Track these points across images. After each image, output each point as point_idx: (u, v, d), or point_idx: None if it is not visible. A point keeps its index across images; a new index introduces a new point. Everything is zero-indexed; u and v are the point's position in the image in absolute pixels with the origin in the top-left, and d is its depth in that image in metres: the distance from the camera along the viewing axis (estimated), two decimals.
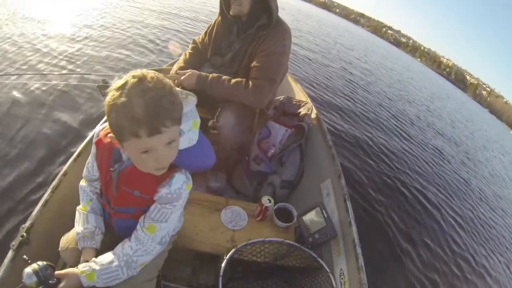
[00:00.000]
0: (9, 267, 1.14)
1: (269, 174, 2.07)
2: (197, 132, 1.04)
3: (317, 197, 1.93)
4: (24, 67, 3.52)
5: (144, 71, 0.83)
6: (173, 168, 1.01)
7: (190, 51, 2.19)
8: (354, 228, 1.56)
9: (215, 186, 2.01)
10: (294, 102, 2.46)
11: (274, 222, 1.73)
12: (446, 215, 3.90)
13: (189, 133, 1.00)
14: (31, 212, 1.32)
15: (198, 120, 1.05)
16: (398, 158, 4.53)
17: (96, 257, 1.08)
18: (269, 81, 1.87)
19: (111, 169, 1.03)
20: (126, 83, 0.80)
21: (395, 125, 5.99)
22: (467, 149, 8.62)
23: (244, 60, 1.93)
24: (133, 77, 0.80)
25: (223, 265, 1.42)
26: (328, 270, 1.51)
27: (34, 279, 0.93)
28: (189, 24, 8.43)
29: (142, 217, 1.07)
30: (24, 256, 1.01)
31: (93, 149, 1.11)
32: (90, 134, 1.60)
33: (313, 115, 2.40)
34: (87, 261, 1.06)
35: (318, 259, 1.56)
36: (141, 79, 0.80)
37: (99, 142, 1.07)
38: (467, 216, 4.22)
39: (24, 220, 1.30)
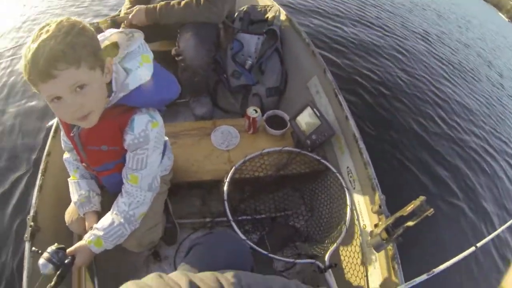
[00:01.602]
0: (31, 258, 1.17)
1: (252, 86, 1.96)
2: (150, 66, 0.95)
3: (306, 98, 1.83)
4: None
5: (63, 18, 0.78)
6: (131, 110, 0.94)
7: None
8: (352, 122, 1.49)
9: (201, 112, 1.93)
10: (259, 9, 2.24)
11: (268, 132, 1.65)
12: (451, 97, 3.63)
13: (138, 70, 0.92)
14: (31, 201, 1.33)
15: (150, 54, 0.97)
16: (385, 49, 4.14)
17: (99, 219, 1.08)
18: None
19: (71, 134, 0.99)
20: (39, 29, 0.76)
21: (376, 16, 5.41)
22: None
23: None
24: (47, 24, 0.76)
25: (225, 188, 1.39)
26: (335, 170, 1.48)
27: (50, 266, 0.94)
28: None
29: (123, 169, 1.04)
30: (34, 248, 1.04)
31: (57, 119, 1.09)
32: None
33: (282, 17, 2.21)
34: (91, 228, 1.06)
35: (322, 160, 1.52)
36: (44, 26, 0.76)
37: None
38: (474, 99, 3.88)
39: (28, 211, 1.31)
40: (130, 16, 1.74)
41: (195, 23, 1.76)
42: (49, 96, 0.78)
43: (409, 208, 1.00)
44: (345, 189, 1.41)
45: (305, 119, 1.58)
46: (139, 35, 0.95)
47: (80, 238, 1.23)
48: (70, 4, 4.13)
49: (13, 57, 2.99)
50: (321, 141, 1.53)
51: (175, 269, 1.41)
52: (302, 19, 3.99)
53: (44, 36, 0.73)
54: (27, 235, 1.21)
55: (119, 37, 0.93)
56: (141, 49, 0.95)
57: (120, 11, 2.06)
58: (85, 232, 1.10)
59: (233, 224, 1.30)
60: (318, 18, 4.26)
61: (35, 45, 0.72)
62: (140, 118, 0.94)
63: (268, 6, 2.24)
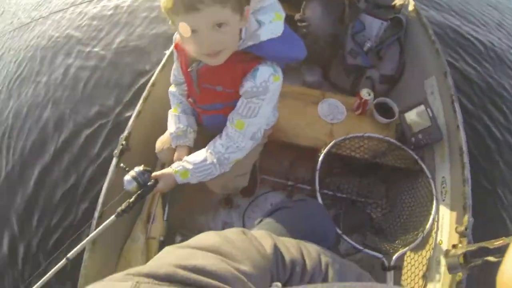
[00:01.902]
0: (114, 172, 1.29)
1: (367, 68, 1.91)
2: (281, 24, 0.96)
3: (419, 95, 1.75)
4: None
5: None
6: (256, 59, 0.96)
7: None
8: (462, 133, 1.40)
9: (310, 80, 1.93)
10: None
11: (374, 117, 1.62)
12: None
13: (270, 24, 0.93)
14: (127, 123, 1.43)
15: (283, 14, 0.97)
16: None
17: (189, 154, 1.12)
18: None
19: (189, 69, 1.02)
20: None
21: None
22: None
23: None
24: None
25: (320, 159, 1.40)
26: (429, 175, 1.42)
27: (134, 184, 1.01)
28: None
29: (231, 113, 1.05)
30: (122, 165, 1.10)
31: (175, 53, 1.11)
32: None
33: (410, 7, 2.09)
34: (181, 159, 1.10)
35: (420, 161, 1.46)
36: None
37: (177, 46, 1.06)
38: None
39: (122, 131, 1.41)
40: None
41: None
42: (184, 27, 0.80)
43: (498, 243, 0.90)
44: (434, 198, 1.35)
45: (416, 116, 1.52)
46: None
47: (163, 167, 1.35)
48: None
49: None
50: (426, 143, 1.47)
51: (243, 220, 1.54)
52: (432, 13, 3.54)
53: None
54: (116, 151, 1.33)
55: None
56: (275, 6, 0.96)
57: None
58: (171, 162, 1.14)
59: (318, 195, 1.32)
60: (450, 14, 3.73)
61: None
62: (264, 69, 0.95)
63: None
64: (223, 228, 1.54)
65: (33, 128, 2.19)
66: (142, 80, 2.38)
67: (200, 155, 1.08)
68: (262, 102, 0.99)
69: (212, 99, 1.07)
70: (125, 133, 1.38)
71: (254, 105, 0.99)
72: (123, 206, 1.01)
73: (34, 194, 1.86)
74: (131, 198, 1.02)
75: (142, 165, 1.06)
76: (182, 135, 1.19)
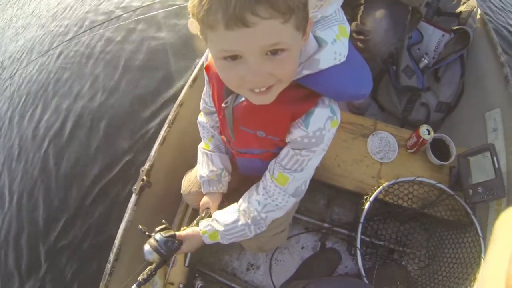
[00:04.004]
0: (133, 211, 1.13)
1: (421, 91, 1.66)
2: (346, 43, 0.68)
3: (478, 130, 1.52)
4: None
5: None
6: (312, 97, 0.69)
7: None
8: None
9: (358, 102, 1.69)
10: None
11: (428, 157, 1.39)
12: None
13: (334, 44, 0.65)
14: (150, 152, 1.25)
15: (347, 27, 0.70)
16: None
17: (221, 202, 1.00)
18: None
19: (223, 105, 0.77)
20: None
21: None
22: None
23: None
24: None
25: (365, 209, 1.22)
26: (480, 233, 1.22)
27: (155, 255, 0.88)
28: None
29: (273, 162, 0.83)
30: (140, 227, 0.93)
31: (205, 76, 0.84)
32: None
33: (477, 17, 1.78)
34: (209, 214, 0.97)
35: (472, 216, 1.27)
36: None
37: (208, 69, 0.79)
38: None
39: (144, 160, 1.23)
40: None
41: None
42: (223, 48, 0.54)
43: None
44: (482, 260, 1.17)
45: (477, 163, 1.30)
46: None
47: (186, 208, 1.21)
48: None
49: None
50: (486, 199, 1.26)
51: (270, 264, 1.38)
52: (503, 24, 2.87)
53: None
54: (136, 187, 1.15)
55: None
56: (338, 15, 0.70)
57: None
58: (199, 206, 1.00)
59: (359, 253, 1.16)
60: None
61: None
62: (321, 112, 0.69)
63: None
64: (247, 270, 1.40)
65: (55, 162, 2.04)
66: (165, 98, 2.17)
67: (232, 213, 0.91)
68: (312, 155, 0.75)
69: (250, 144, 0.84)
70: (147, 165, 1.20)
71: (303, 158, 0.76)
72: (145, 274, 0.87)
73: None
74: (152, 264, 0.89)
75: (164, 227, 0.91)
76: (216, 179, 1.00)
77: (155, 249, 0.86)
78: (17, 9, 3.86)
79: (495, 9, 2.99)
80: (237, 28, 0.48)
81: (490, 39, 1.68)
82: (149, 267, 0.88)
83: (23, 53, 3.03)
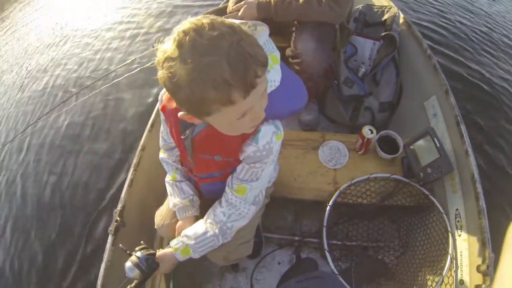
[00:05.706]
0: (111, 251, 1.19)
1: (364, 97, 1.81)
2: (278, 69, 0.82)
3: (421, 119, 1.65)
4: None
5: (193, 19, 0.60)
6: None
7: None
8: (472, 160, 1.29)
9: (307, 119, 1.83)
10: (376, 9, 2.05)
11: (378, 154, 1.51)
12: None
13: (269, 74, 0.76)
14: (120, 194, 1.33)
15: (278, 54, 0.83)
16: None
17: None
18: None
19: (182, 137, 0.88)
20: (179, 44, 0.58)
21: None
22: None
23: None
24: (184, 33, 0.58)
25: (326, 213, 1.31)
26: (442, 210, 1.32)
27: (137, 271, 0.92)
28: None
29: (230, 178, 0.95)
30: (120, 245, 1.01)
31: (161, 116, 0.97)
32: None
33: (401, 20, 1.99)
34: (180, 234, 1.01)
35: (430, 196, 1.37)
36: (198, 31, 0.58)
37: (164, 109, 0.91)
38: None
39: (116, 203, 1.31)
40: (240, 13, 1.59)
41: (314, 22, 1.60)
42: (240, 113, 0.66)
43: None
44: (449, 234, 1.26)
45: (422, 148, 1.42)
46: (264, 29, 0.79)
47: (162, 241, 1.28)
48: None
49: None
50: (436, 177, 1.37)
51: (251, 284, 1.44)
52: (424, 23, 3.19)
53: (223, 43, 0.57)
54: (111, 228, 1.22)
55: None
56: (267, 46, 0.80)
57: (225, 2, 1.93)
58: (173, 237, 1.06)
59: (328, 254, 1.23)
60: (445, 23, 3.28)
61: (219, 57, 0.57)
62: (267, 129, 0.82)
63: (385, 7, 2.04)
64: None
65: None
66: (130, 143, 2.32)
67: (200, 227, 0.98)
68: (264, 166, 0.89)
69: (210, 168, 0.96)
70: (119, 207, 1.28)
71: (257, 169, 0.89)
72: None
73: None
74: (131, 283, 0.93)
75: (144, 246, 0.98)
76: (189, 205, 1.08)
77: (137, 266, 0.91)
78: None
79: (417, 9, 3.40)
80: (251, 91, 0.61)
81: (415, 38, 1.87)
82: (129, 286, 0.92)
83: None
